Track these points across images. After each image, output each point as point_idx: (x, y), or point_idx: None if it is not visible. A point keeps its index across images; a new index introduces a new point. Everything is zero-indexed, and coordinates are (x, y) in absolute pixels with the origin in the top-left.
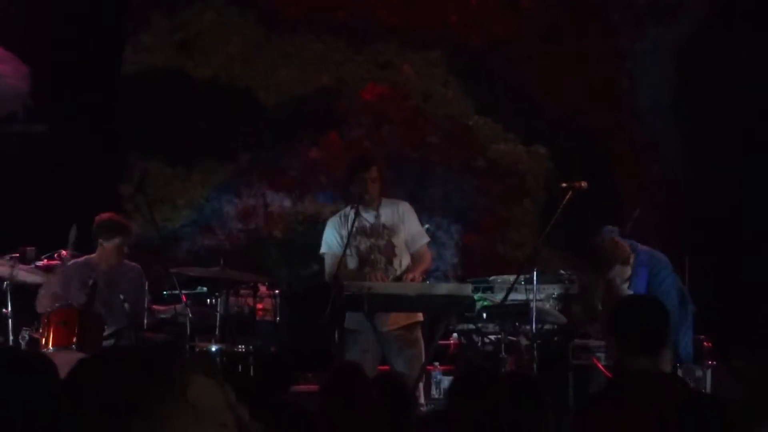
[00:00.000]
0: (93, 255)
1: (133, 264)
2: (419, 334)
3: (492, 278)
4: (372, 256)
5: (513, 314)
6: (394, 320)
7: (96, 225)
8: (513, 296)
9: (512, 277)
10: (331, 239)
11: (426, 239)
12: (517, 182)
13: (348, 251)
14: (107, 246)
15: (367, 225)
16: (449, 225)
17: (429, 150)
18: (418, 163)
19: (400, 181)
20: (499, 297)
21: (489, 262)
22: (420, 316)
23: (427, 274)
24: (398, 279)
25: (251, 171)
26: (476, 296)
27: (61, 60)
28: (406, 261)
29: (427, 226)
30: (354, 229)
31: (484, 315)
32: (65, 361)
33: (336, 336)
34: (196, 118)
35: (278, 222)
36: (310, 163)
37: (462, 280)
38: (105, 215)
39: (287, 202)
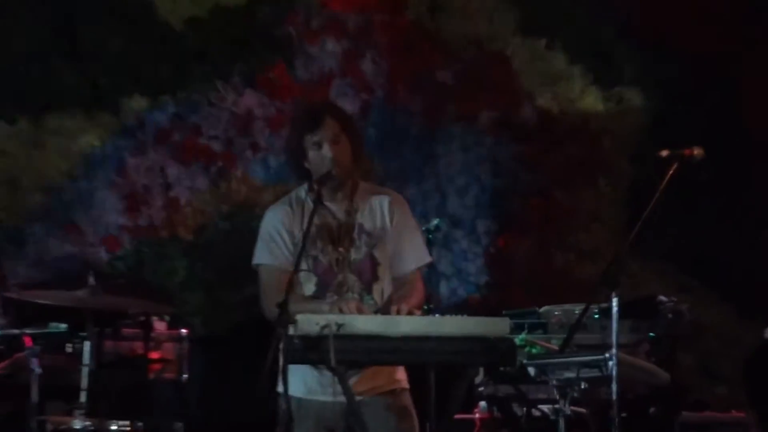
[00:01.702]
0: None
1: None
2: (409, 402)
3: (544, 309)
4: (340, 276)
5: (579, 369)
6: (370, 381)
7: None
8: (580, 338)
9: (578, 308)
10: (273, 242)
11: (426, 259)
12: (587, 149)
13: (303, 264)
14: None
15: (334, 224)
16: (473, 221)
17: (438, 94)
18: (421, 118)
19: (389, 150)
20: (556, 341)
21: (539, 282)
22: (404, 378)
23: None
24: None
25: (142, 130)
26: (518, 339)
27: None
28: (388, 289)
29: (435, 222)
30: (313, 228)
31: (531, 371)
32: None
33: (281, 406)
34: (53, 43)
35: (187, 214)
36: (240, 117)
37: (494, 311)
38: None
39: (202, 182)
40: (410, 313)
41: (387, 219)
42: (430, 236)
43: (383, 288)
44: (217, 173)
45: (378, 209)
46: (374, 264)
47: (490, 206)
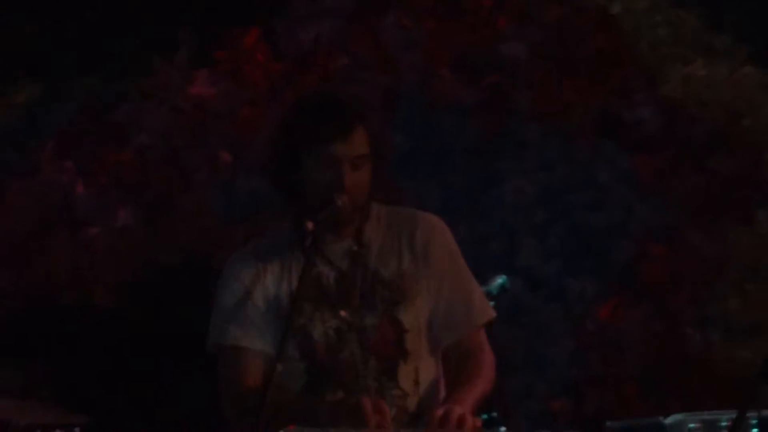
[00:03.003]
0: None
1: None
2: None
3: (672, 419)
4: (344, 355)
5: None
6: None
7: None
8: None
9: (727, 417)
10: (238, 312)
11: (489, 315)
12: (741, 165)
13: (293, 345)
14: None
15: (332, 275)
16: (559, 279)
17: (504, 79)
18: (476, 117)
19: (426, 168)
20: None
21: (664, 376)
22: None
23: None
24: (416, 418)
25: (33, 133)
26: None
27: None
28: (429, 369)
29: (499, 281)
30: (303, 286)
31: None
32: None
33: None
34: None
35: (106, 268)
36: (188, 114)
37: (594, 424)
38: None
39: (128, 216)
40: (461, 420)
41: (419, 259)
42: (492, 303)
43: (418, 369)
44: (154, 203)
45: (402, 244)
46: (399, 332)
47: (586, 256)
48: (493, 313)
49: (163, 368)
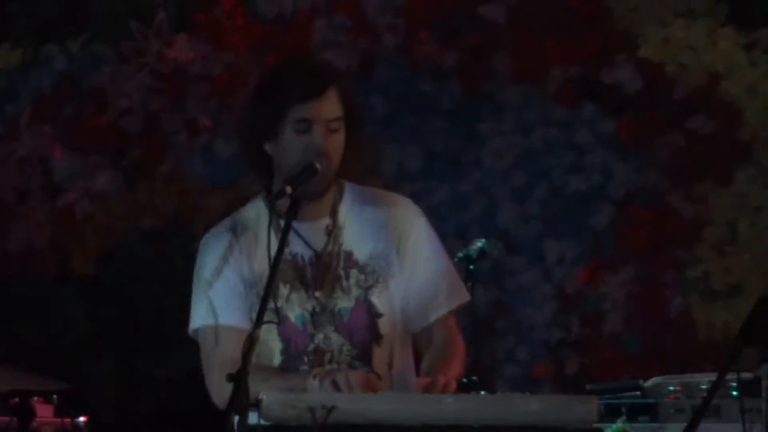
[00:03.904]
0: None
1: None
2: None
3: (652, 382)
4: (318, 338)
5: None
6: None
7: None
8: (710, 429)
9: (707, 380)
10: (215, 292)
11: (463, 297)
12: (720, 127)
13: (268, 327)
14: None
15: (306, 255)
16: (538, 243)
17: (484, 41)
18: (456, 79)
19: (405, 131)
20: None
21: (644, 339)
22: None
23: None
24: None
25: (12, 99)
26: (610, 430)
27: None
28: (403, 354)
29: (479, 244)
30: (279, 261)
31: None
32: None
33: None
34: None
35: (85, 234)
36: (168, 78)
37: (574, 386)
38: None
39: (108, 182)
40: (446, 387)
41: (393, 241)
42: (472, 267)
43: (391, 353)
44: (133, 168)
45: (377, 226)
46: (372, 315)
47: (566, 219)
48: (467, 297)
49: (141, 334)
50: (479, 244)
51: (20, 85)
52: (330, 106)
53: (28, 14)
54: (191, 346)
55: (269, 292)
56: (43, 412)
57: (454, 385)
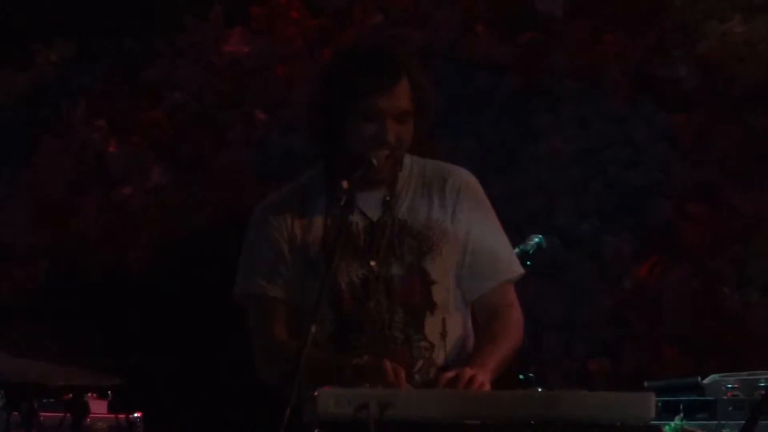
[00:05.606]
0: None
1: None
2: None
3: (710, 379)
4: (371, 305)
5: None
6: None
7: None
8: None
9: (766, 377)
10: (267, 259)
11: (516, 271)
12: None
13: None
14: None
15: (362, 224)
16: (596, 239)
17: (540, 36)
18: (512, 74)
19: (460, 125)
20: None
21: (702, 336)
22: None
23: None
24: (443, 371)
25: (64, 92)
26: (668, 428)
27: None
28: (457, 323)
29: (535, 240)
30: (337, 244)
31: None
32: None
33: None
34: None
35: (138, 228)
36: (223, 72)
37: (631, 383)
38: None
39: (161, 175)
40: (473, 381)
41: (448, 210)
42: (528, 263)
43: (445, 321)
44: (187, 162)
45: (433, 195)
46: (426, 283)
47: (623, 215)
48: (521, 270)
49: (196, 330)
50: (536, 239)
51: (75, 78)
52: (400, 100)
53: (83, 7)
54: (247, 342)
55: (324, 282)
56: (97, 408)
57: (482, 377)
